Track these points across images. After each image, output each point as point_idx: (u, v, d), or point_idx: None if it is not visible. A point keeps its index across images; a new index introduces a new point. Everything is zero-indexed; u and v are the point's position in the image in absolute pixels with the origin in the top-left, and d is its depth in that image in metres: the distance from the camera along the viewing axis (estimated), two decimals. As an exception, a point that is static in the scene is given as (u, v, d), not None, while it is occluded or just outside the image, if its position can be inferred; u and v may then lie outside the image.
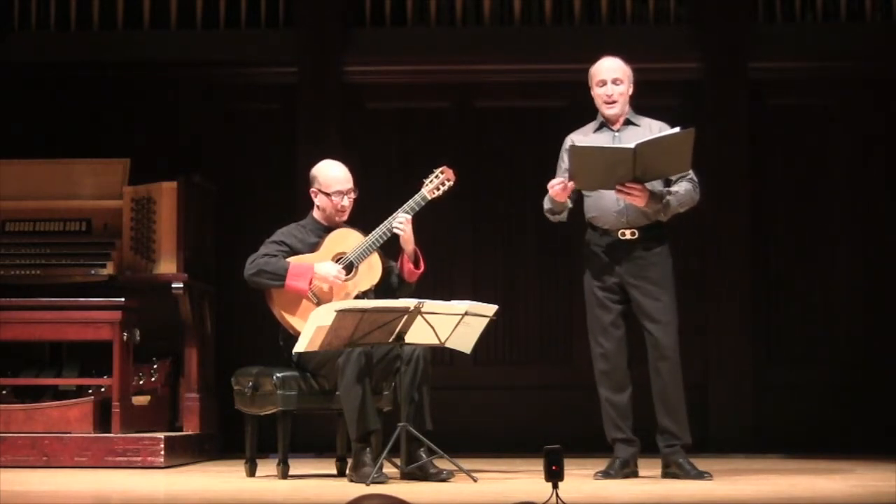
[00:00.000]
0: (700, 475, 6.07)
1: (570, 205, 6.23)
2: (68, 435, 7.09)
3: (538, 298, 8.89)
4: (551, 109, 8.94)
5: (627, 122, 6.28)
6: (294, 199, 8.35)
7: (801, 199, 8.90)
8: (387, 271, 6.49)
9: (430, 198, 6.47)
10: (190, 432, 7.66)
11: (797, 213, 8.90)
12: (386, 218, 6.38)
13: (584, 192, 6.22)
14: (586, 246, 6.27)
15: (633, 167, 5.94)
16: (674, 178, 6.18)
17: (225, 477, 6.55)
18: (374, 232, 6.38)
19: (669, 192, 6.13)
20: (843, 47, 8.83)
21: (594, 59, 6.39)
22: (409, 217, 6.38)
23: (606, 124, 6.29)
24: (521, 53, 8.89)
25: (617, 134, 6.25)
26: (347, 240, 6.43)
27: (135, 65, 8.86)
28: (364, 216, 6.60)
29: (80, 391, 7.39)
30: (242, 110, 9.04)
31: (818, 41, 8.86)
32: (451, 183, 6.52)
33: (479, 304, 6.11)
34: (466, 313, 6.03)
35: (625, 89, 6.25)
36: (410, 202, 6.42)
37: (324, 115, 8.84)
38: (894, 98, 8.81)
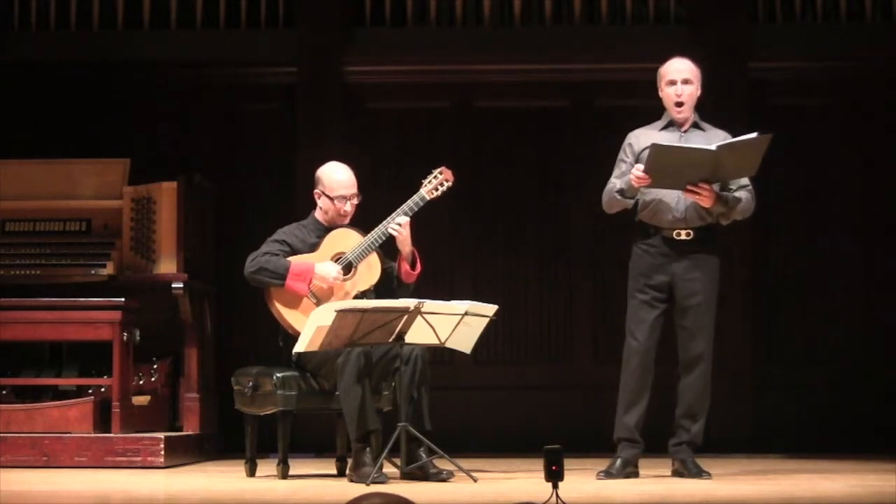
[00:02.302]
0: (699, 474, 6.10)
1: (638, 195, 6.22)
2: (68, 435, 7.09)
3: (538, 298, 8.89)
4: (551, 109, 8.95)
5: (695, 126, 6.27)
6: (294, 200, 8.36)
7: (801, 199, 8.90)
8: (386, 272, 6.50)
9: (428, 198, 6.47)
10: (190, 432, 7.66)
11: (797, 213, 8.90)
12: (385, 218, 6.38)
13: (641, 191, 6.18)
14: (636, 245, 6.24)
15: (708, 169, 5.95)
16: (732, 185, 6.18)
17: (225, 477, 6.55)
18: (373, 232, 6.38)
19: (735, 197, 6.13)
20: (843, 47, 8.83)
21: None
22: (408, 218, 6.38)
23: (674, 123, 6.27)
24: (521, 53, 8.89)
25: (683, 135, 6.24)
26: (347, 240, 6.43)
27: (135, 65, 8.86)
28: (364, 216, 6.59)
29: (80, 391, 7.38)
30: (242, 110, 9.03)
31: (818, 41, 8.86)
32: (450, 183, 6.52)
33: (479, 303, 6.11)
34: (466, 313, 6.03)
35: (693, 90, 6.24)
36: (409, 202, 6.42)
37: (324, 114, 8.84)
38: (894, 98, 8.81)
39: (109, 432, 7.13)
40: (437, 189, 6.49)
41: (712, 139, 6.17)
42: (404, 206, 6.41)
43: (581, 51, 8.81)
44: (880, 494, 5.27)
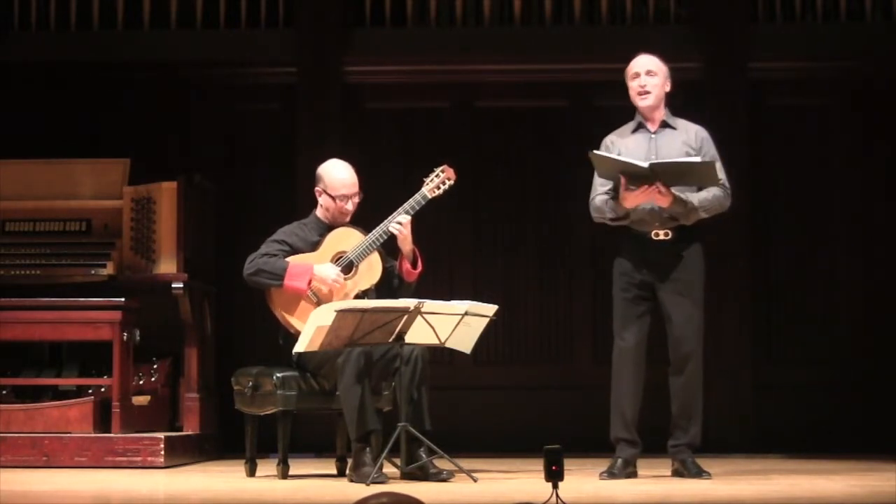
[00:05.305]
0: (699, 474, 6.10)
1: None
2: (68, 435, 7.09)
3: (538, 298, 8.89)
4: (551, 109, 8.95)
5: (665, 125, 6.28)
6: (294, 199, 8.36)
7: (801, 199, 8.90)
8: (387, 271, 6.49)
9: (430, 197, 6.46)
10: (190, 432, 7.66)
11: (797, 213, 8.90)
12: (386, 217, 6.38)
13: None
14: (618, 248, 6.26)
15: (652, 179, 5.96)
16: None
17: (225, 477, 6.55)
18: (374, 231, 6.38)
19: (695, 199, 6.13)
20: (843, 47, 8.83)
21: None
22: (409, 217, 6.38)
23: (644, 125, 6.28)
24: (521, 53, 8.89)
25: (653, 136, 6.25)
26: (348, 239, 6.43)
27: (135, 65, 8.86)
28: (363, 216, 6.59)
29: (80, 391, 7.38)
30: (242, 110, 9.03)
31: (818, 41, 8.86)
32: (452, 182, 6.52)
33: (479, 303, 6.11)
34: (466, 313, 6.03)
35: (659, 82, 6.25)
36: (411, 201, 6.42)
37: (324, 115, 8.84)
38: (894, 98, 8.81)
39: (109, 432, 7.13)
40: (438, 188, 6.48)
41: (682, 137, 6.21)
42: (406, 205, 6.40)
43: (581, 51, 8.81)
44: (880, 494, 5.28)
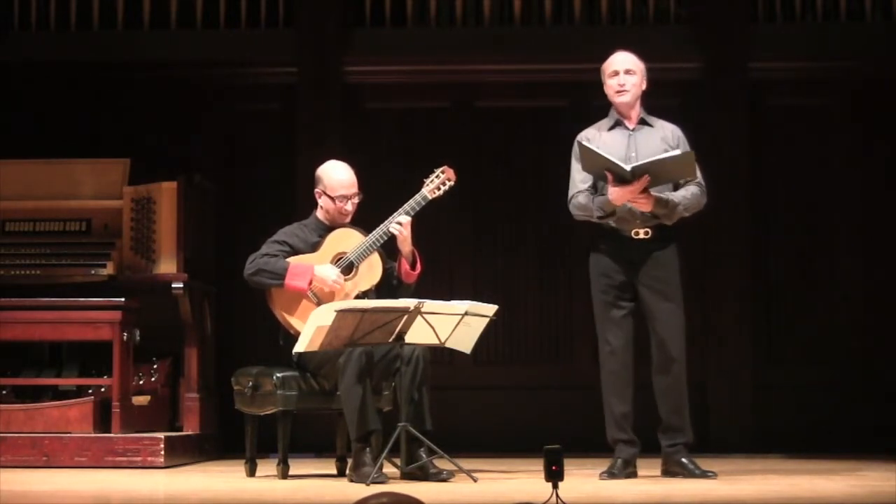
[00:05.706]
0: (704, 474, 6.10)
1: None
2: (68, 435, 7.09)
3: (538, 298, 8.89)
4: (551, 109, 8.95)
5: (642, 122, 6.28)
6: (294, 199, 8.37)
7: (801, 199, 8.90)
8: (387, 272, 6.50)
9: (430, 197, 6.46)
10: (190, 432, 7.66)
11: (797, 213, 8.90)
12: (386, 218, 6.38)
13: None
14: (595, 246, 6.26)
15: (634, 180, 5.97)
16: (681, 180, 6.19)
17: (225, 477, 6.55)
18: (374, 232, 6.38)
19: (676, 197, 6.13)
20: (843, 47, 8.83)
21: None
22: (409, 218, 6.38)
23: (621, 122, 6.28)
24: (521, 53, 8.89)
25: (632, 133, 6.25)
26: (348, 239, 6.43)
27: (135, 65, 8.86)
28: (363, 216, 6.60)
29: (80, 391, 7.38)
30: (242, 110, 9.03)
31: (818, 41, 8.86)
32: (452, 182, 6.51)
33: (479, 303, 6.11)
34: (466, 313, 6.03)
35: (637, 81, 6.25)
36: (411, 202, 6.42)
37: (324, 114, 8.84)
38: (894, 98, 8.81)
39: (109, 432, 7.13)
40: (439, 188, 6.48)
41: (660, 135, 6.22)
42: (406, 206, 6.41)
43: (581, 51, 8.80)
44: (880, 494, 5.28)
